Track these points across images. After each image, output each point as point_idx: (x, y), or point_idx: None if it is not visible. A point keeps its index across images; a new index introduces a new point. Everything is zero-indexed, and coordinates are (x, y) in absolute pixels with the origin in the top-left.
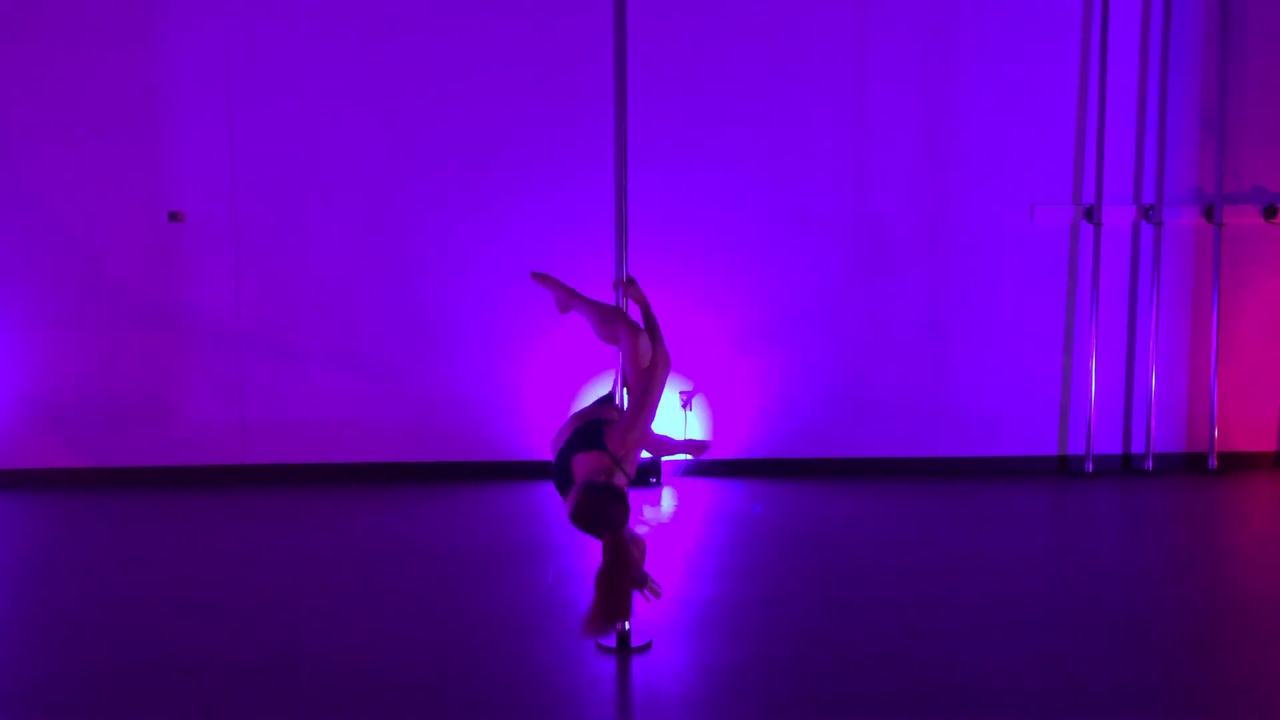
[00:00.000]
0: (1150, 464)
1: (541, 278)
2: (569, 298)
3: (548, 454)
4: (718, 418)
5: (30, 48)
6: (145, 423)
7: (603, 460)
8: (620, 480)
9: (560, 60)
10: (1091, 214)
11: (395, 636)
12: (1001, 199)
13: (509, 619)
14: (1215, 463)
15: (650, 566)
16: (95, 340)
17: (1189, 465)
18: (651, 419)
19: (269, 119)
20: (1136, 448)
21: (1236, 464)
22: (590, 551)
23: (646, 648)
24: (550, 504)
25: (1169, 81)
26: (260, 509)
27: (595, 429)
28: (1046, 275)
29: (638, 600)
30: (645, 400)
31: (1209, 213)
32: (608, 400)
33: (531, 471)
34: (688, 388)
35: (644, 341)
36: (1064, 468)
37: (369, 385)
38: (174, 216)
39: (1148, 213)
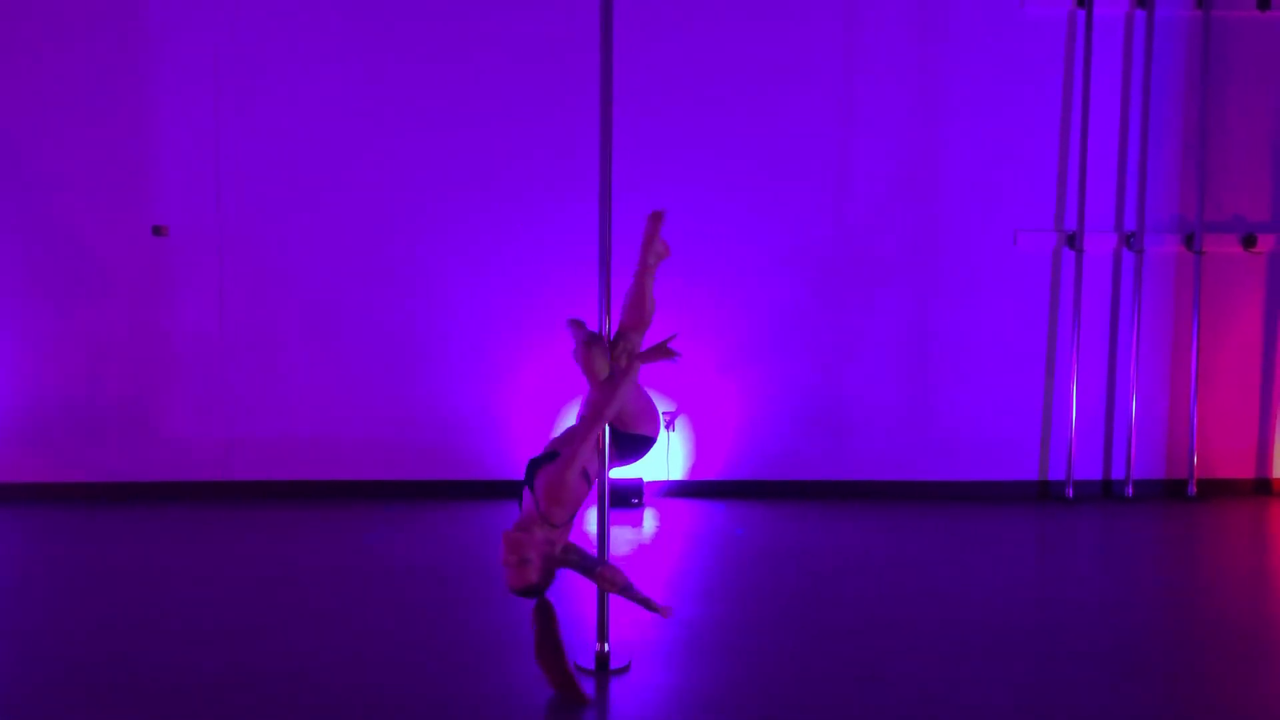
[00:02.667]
0: (1130, 490)
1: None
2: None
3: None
4: (700, 439)
5: (14, 60)
6: (128, 437)
7: (529, 506)
8: (541, 537)
9: (555, 91)
10: (1074, 241)
11: (371, 656)
12: (985, 225)
13: (487, 639)
14: (1195, 489)
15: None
16: (79, 354)
17: (1168, 492)
18: (580, 458)
19: (256, 134)
20: (1117, 474)
21: (1216, 491)
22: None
23: (625, 669)
24: None
25: (1151, 111)
26: (243, 525)
27: (543, 461)
28: (1029, 301)
29: (617, 621)
30: (588, 429)
31: (1189, 241)
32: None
33: (515, 490)
34: (670, 408)
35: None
36: (1045, 493)
37: (354, 402)
38: (158, 231)
39: (1129, 240)
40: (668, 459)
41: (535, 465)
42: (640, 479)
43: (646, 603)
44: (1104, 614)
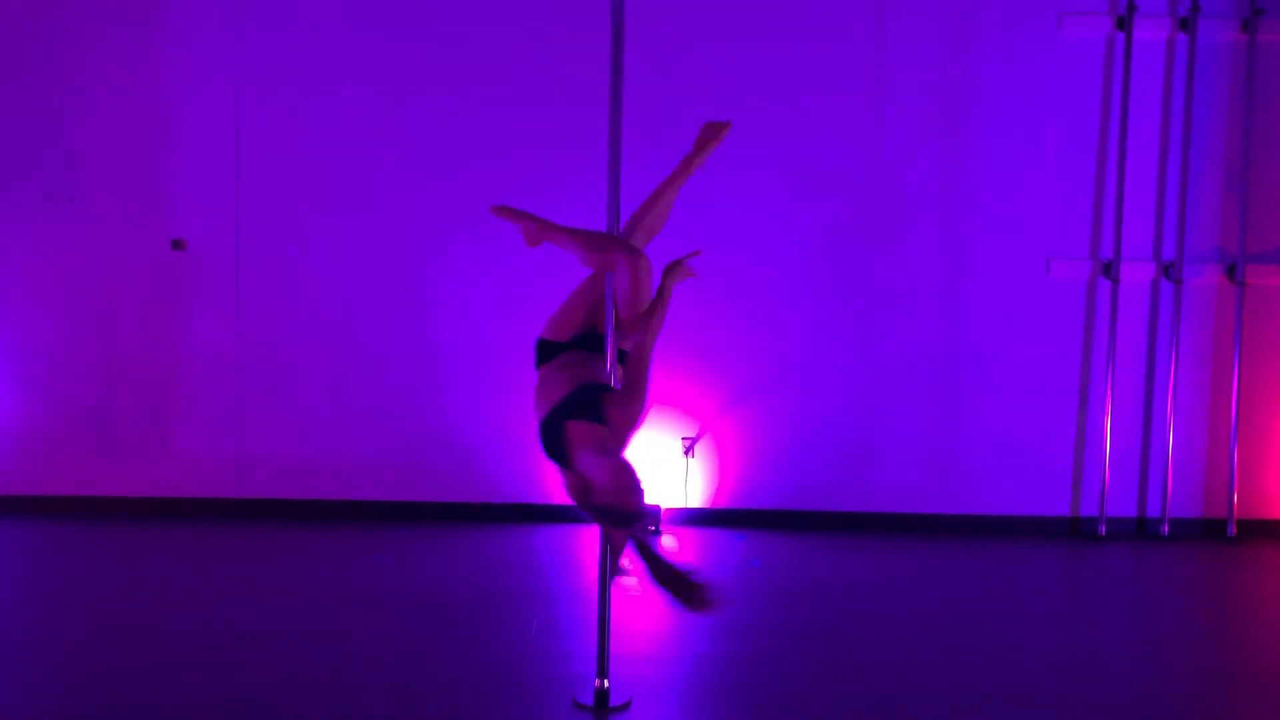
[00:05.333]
0: (1166, 529)
1: (503, 211)
2: (540, 229)
3: (533, 416)
4: (721, 466)
5: (36, 73)
6: (141, 452)
7: (598, 433)
8: (614, 455)
9: (571, 113)
10: (1109, 270)
11: (365, 687)
12: (1017, 252)
13: (485, 673)
14: (1234, 530)
15: (639, 620)
16: (93, 368)
17: (1207, 531)
18: (647, 381)
19: (276, 150)
20: (1152, 512)
21: (1257, 532)
22: (577, 601)
23: (626, 707)
24: (543, 548)
25: (1191, 135)
26: (251, 544)
27: (592, 394)
28: (1062, 331)
29: (618, 656)
30: (645, 362)
31: (1231, 271)
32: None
33: (529, 514)
34: (690, 434)
35: (646, 266)
36: (1075, 530)
37: (367, 421)
38: (177, 245)
39: (1168, 270)
40: (687, 486)
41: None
42: (658, 506)
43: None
44: (1132, 661)
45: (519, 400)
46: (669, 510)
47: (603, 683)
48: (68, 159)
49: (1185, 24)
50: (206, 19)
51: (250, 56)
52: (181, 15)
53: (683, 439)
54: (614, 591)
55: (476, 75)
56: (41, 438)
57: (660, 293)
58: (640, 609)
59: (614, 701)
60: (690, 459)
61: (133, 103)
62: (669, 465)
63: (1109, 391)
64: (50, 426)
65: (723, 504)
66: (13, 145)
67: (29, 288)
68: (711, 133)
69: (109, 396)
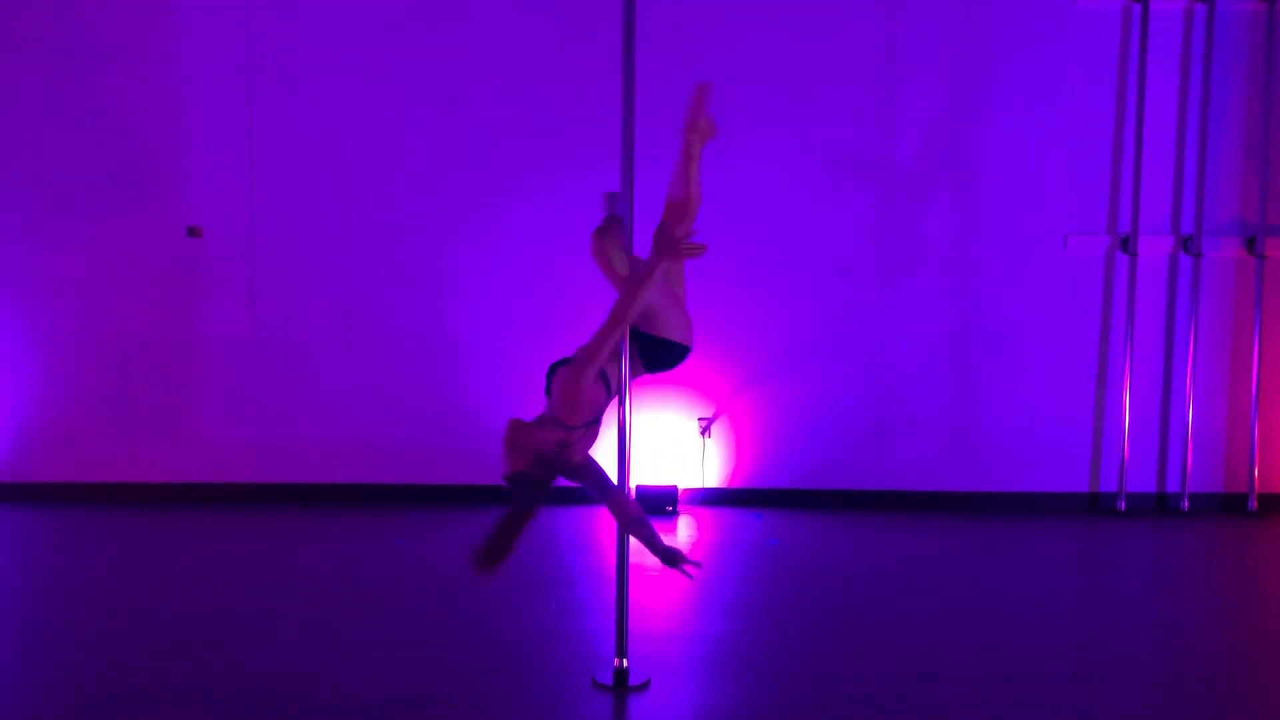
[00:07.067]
0: (1186, 504)
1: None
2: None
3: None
4: (738, 446)
5: (54, 64)
6: (159, 438)
7: (545, 418)
8: (553, 438)
9: (587, 97)
10: (1127, 244)
11: (384, 668)
12: (1034, 227)
13: (504, 653)
14: (1255, 504)
15: (657, 600)
16: (111, 355)
17: (1227, 506)
18: (599, 361)
19: (290, 140)
20: (1172, 486)
21: (1278, 506)
22: (596, 581)
23: (645, 686)
24: (563, 530)
25: (1210, 106)
26: (269, 529)
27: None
28: (1080, 306)
29: (637, 636)
30: (608, 331)
31: (1251, 244)
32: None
33: (548, 496)
34: (707, 414)
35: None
36: (1095, 505)
37: (383, 406)
38: (192, 232)
39: (1186, 243)
40: (703, 466)
41: (555, 367)
42: (675, 486)
43: (667, 553)
44: (1152, 637)
45: (535, 382)
46: (686, 490)
47: (622, 662)
48: (86, 150)
49: None
50: (218, 6)
51: (262, 46)
52: (193, 5)
53: (699, 419)
54: (632, 572)
55: (493, 60)
56: (62, 425)
57: (651, 264)
58: (659, 589)
59: (633, 681)
60: (706, 439)
61: (147, 93)
62: (686, 446)
63: (1128, 366)
64: (70, 414)
65: (739, 484)
66: (29, 138)
67: (48, 278)
68: (696, 98)
69: (128, 384)
